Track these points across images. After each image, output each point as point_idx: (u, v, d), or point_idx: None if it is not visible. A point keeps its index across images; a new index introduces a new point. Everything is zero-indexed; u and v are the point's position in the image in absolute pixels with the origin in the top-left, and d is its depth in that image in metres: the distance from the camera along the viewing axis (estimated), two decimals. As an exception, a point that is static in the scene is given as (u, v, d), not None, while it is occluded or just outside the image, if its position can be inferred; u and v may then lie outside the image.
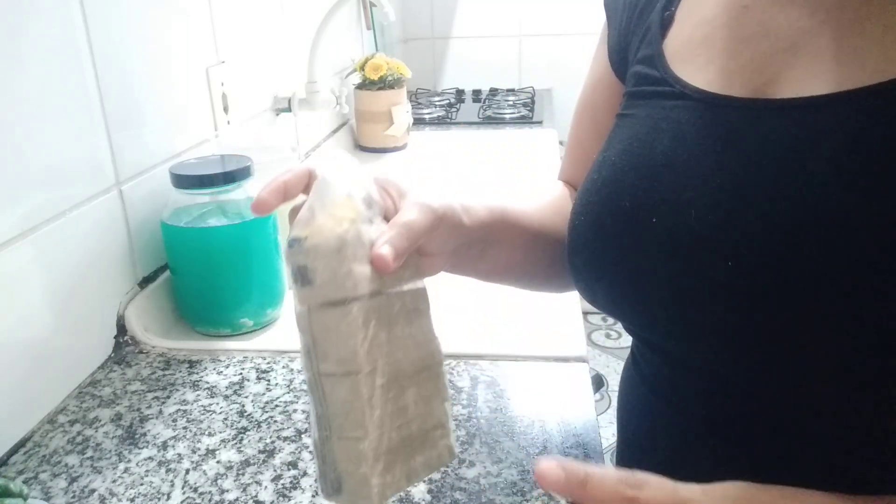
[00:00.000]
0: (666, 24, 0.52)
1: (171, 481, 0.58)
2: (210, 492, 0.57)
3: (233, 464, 0.60)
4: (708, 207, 0.43)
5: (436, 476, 0.57)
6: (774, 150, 0.42)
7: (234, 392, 0.71)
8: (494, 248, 0.56)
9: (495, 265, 0.57)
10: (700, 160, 0.45)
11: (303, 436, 0.63)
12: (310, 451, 0.61)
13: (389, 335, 0.40)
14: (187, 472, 0.59)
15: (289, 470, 0.59)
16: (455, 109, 2.08)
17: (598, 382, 2.34)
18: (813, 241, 0.39)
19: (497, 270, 0.59)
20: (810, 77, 0.42)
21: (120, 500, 0.57)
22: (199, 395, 0.70)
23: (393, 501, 0.55)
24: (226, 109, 1.07)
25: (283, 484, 0.57)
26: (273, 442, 0.63)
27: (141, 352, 0.78)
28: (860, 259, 0.38)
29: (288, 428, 0.64)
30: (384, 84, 1.66)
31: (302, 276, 0.39)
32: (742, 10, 0.47)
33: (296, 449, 0.61)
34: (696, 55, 0.49)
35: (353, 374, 0.39)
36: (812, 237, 0.39)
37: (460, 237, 0.51)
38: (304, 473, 0.58)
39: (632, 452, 0.59)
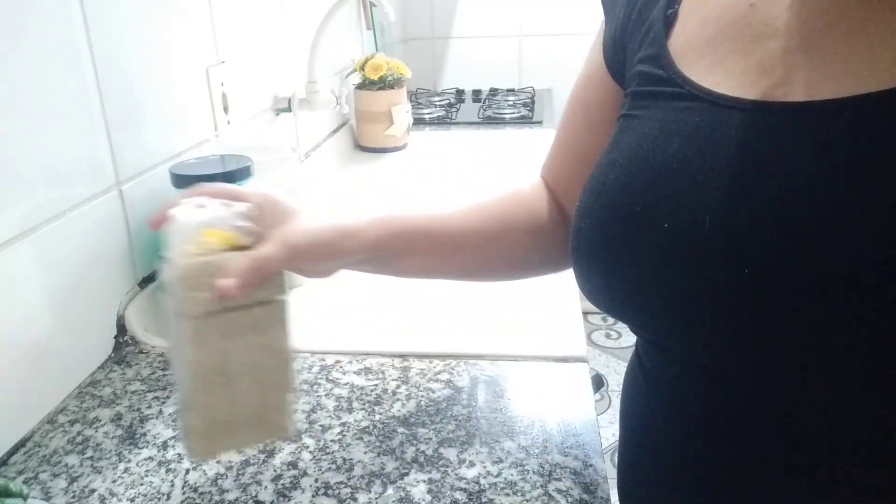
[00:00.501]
0: (669, 22, 0.51)
1: (171, 481, 0.58)
2: (210, 492, 0.57)
3: (233, 464, 0.60)
4: (722, 213, 0.43)
5: (436, 476, 0.57)
6: (788, 156, 0.41)
7: (234, 392, 0.71)
8: (401, 258, 0.61)
9: (410, 270, 0.63)
10: (712, 164, 0.44)
11: (303, 436, 0.63)
12: (310, 451, 0.61)
13: (234, 344, 0.50)
14: (187, 472, 0.60)
15: (289, 470, 0.59)
16: (455, 109, 2.08)
17: (598, 382, 2.34)
18: (828, 248, 0.39)
19: (415, 273, 0.63)
20: (822, 79, 0.42)
21: (120, 500, 0.57)
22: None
23: (393, 501, 0.55)
24: (226, 109, 1.07)
25: (283, 484, 0.57)
26: (273, 442, 0.63)
27: (141, 352, 0.78)
28: (876, 266, 0.37)
29: (288, 428, 0.64)
30: (384, 84, 1.66)
31: (166, 289, 0.51)
32: (749, 9, 0.46)
33: (296, 449, 0.61)
34: (702, 56, 0.48)
35: (191, 369, 0.50)
36: (827, 244, 0.39)
37: (343, 258, 0.57)
38: (304, 473, 0.59)
39: (633, 452, 0.59)
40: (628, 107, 0.53)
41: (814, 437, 0.45)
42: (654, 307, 0.47)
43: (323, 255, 0.55)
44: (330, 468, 0.59)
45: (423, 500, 0.55)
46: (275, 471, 0.59)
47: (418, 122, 1.95)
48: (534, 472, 0.57)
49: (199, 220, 0.51)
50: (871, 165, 0.38)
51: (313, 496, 0.56)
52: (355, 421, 0.65)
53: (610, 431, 1.89)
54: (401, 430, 0.63)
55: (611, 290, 0.50)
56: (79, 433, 0.65)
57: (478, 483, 0.56)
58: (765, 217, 0.41)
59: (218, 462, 0.60)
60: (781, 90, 0.43)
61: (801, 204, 0.40)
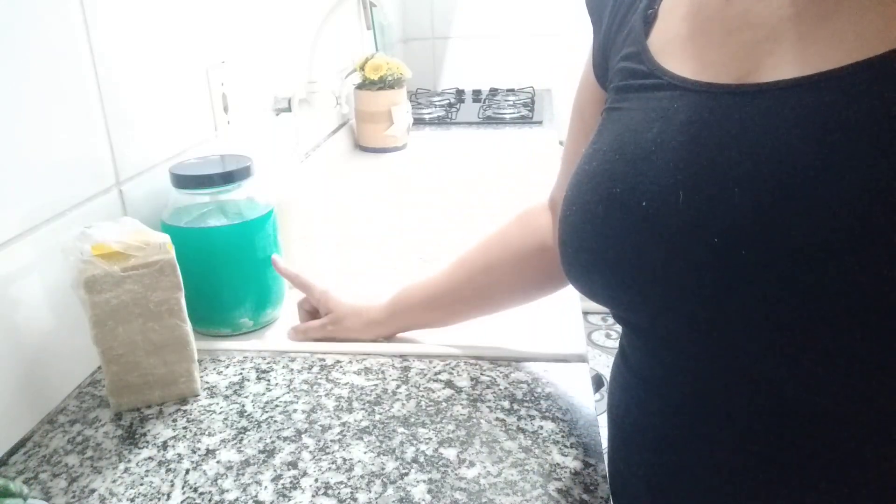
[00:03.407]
0: (649, 21, 0.54)
1: (171, 481, 0.58)
2: (210, 492, 0.57)
3: (233, 464, 0.60)
4: (694, 189, 0.45)
5: (436, 476, 0.57)
6: (755, 132, 0.43)
7: (234, 392, 0.71)
8: (414, 323, 0.80)
9: (431, 326, 0.80)
10: (687, 145, 0.46)
11: (303, 436, 0.63)
12: (310, 451, 0.61)
13: (130, 326, 0.66)
14: (187, 472, 0.60)
15: (289, 470, 0.59)
16: (455, 109, 2.08)
17: (598, 382, 2.34)
18: (791, 219, 0.41)
19: (436, 326, 0.80)
20: (790, 62, 0.44)
21: (120, 500, 0.57)
22: (199, 395, 0.70)
23: (393, 501, 0.55)
24: (226, 109, 1.07)
25: (283, 484, 0.57)
26: (273, 442, 0.63)
27: (141, 352, 0.78)
28: (840, 235, 0.39)
29: (288, 428, 0.64)
30: (384, 84, 1.66)
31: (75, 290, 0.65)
32: (725, 4, 0.49)
33: (296, 449, 0.62)
34: (682, 49, 0.50)
35: (97, 346, 0.66)
36: (790, 214, 0.41)
37: (364, 332, 0.81)
38: (304, 473, 0.59)
39: (624, 446, 0.60)
40: (611, 101, 0.56)
41: (802, 417, 0.45)
42: (634, 285, 0.49)
43: (348, 329, 0.80)
44: (330, 468, 0.59)
45: (423, 500, 0.55)
46: (275, 471, 0.59)
47: (418, 122, 1.95)
48: (534, 472, 0.57)
49: (90, 237, 0.64)
50: (830, 137, 0.40)
51: (313, 496, 0.56)
52: (355, 421, 0.65)
53: (610, 431, 1.88)
54: (401, 430, 0.63)
55: (595, 272, 0.52)
56: (79, 433, 0.65)
57: (478, 483, 0.56)
58: (732, 189, 0.43)
59: (218, 462, 0.60)
60: (754, 75, 0.45)
61: (769, 177, 0.42)
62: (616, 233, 0.49)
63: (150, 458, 0.61)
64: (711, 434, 0.50)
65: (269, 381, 0.72)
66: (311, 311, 0.85)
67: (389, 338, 0.80)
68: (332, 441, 0.62)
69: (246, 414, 0.67)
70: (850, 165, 0.39)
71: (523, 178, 1.48)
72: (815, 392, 0.43)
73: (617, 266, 0.49)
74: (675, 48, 0.51)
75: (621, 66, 0.55)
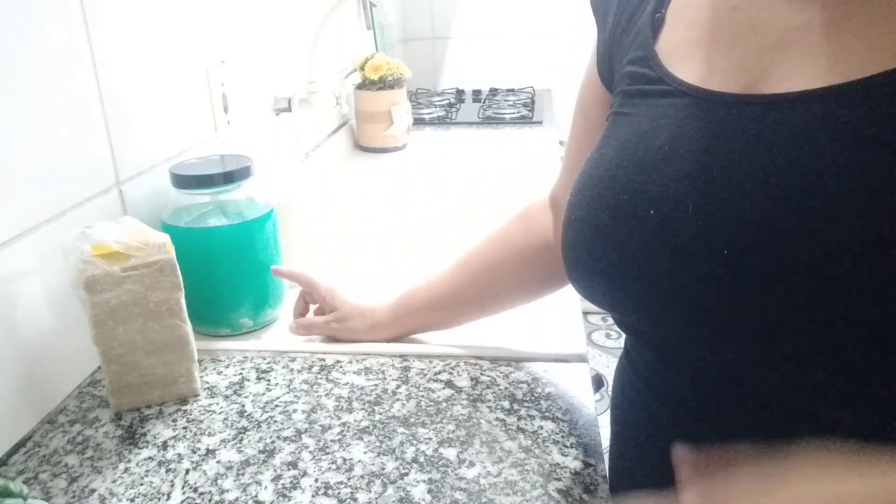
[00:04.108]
0: (657, 26, 0.54)
1: (171, 481, 0.58)
2: (210, 492, 0.57)
3: (233, 464, 0.60)
4: (703, 199, 0.45)
5: (436, 476, 0.57)
6: (765, 144, 0.43)
7: (234, 392, 0.71)
8: (416, 326, 0.79)
9: (433, 328, 0.80)
10: (695, 154, 0.46)
11: (303, 436, 0.63)
12: (310, 451, 0.61)
13: (129, 327, 0.66)
14: (187, 472, 0.60)
15: (289, 470, 0.59)
16: (455, 109, 2.08)
17: (598, 382, 2.34)
18: (800, 232, 0.41)
19: (437, 328, 0.80)
20: (798, 73, 0.44)
21: (120, 500, 0.57)
22: (199, 395, 0.70)
23: (393, 501, 0.55)
24: (226, 109, 1.07)
25: (283, 484, 0.57)
26: (273, 442, 0.63)
27: (141, 352, 0.78)
28: (848, 248, 0.39)
29: (288, 428, 0.64)
30: (384, 84, 1.66)
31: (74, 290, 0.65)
32: (731, 11, 0.49)
33: (296, 449, 0.62)
34: (688, 56, 0.50)
35: (97, 345, 0.66)
36: (799, 227, 0.41)
37: (369, 334, 0.80)
38: (304, 473, 0.59)
39: (627, 448, 0.60)
40: (618, 105, 0.55)
41: (809, 425, 0.45)
42: (637, 293, 0.49)
43: (352, 330, 0.79)
44: (330, 468, 0.59)
45: (423, 500, 0.55)
46: (275, 471, 0.59)
47: (418, 122, 1.95)
48: (534, 472, 0.57)
49: (90, 237, 0.65)
50: (843, 152, 0.40)
51: (313, 496, 0.56)
52: (355, 421, 0.65)
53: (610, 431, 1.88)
54: (401, 430, 0.63)
55: (598, 277, 0.52)
56: (79, 433, 0.65)
57: (478, 483, 0.56)
58: (742, 201, 0.43)
59: (218, 462, 0.60)
60: (760, 84, 0.45)
61: (777, 189, 0.42)
62: (622, 240, 0.49)
63: (150, 458, 0.61)
64: (714, 437, 0.49)
65: (269, 381, 0.72)
66: (309, 304, 0.85)
67: (392, 341, 0.80)
68: (332, 441, 0.62)
69: (246, 414, 0.67)
70: (859, 180, 0.39)
71: (523, 178, 1.47)
72: (821, 399, 0.43)
73: (621, 273, 0.49)
74: (682, 53, 0.51)
75: (628, 70, 0.55)
